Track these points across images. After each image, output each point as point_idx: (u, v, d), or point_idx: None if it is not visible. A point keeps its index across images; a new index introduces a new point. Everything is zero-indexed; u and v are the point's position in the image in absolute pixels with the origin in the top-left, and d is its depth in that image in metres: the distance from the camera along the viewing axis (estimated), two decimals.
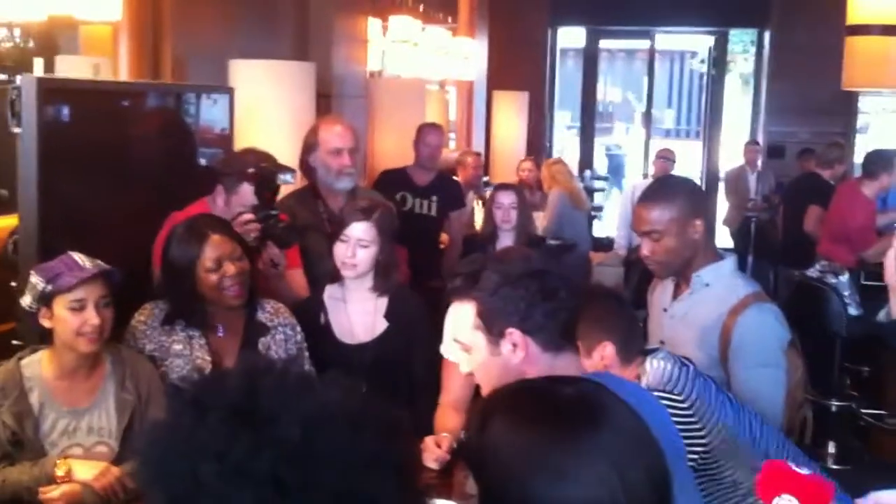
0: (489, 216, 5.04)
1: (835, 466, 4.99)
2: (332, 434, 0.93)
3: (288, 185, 3.53)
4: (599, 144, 14.98)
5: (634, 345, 2.53)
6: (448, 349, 3.14)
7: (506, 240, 4.79)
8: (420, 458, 0.99)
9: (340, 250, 3.14)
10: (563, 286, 1.91)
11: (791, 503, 1.54)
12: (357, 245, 3.13)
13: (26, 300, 2.56)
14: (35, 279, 2.54)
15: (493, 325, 1.89)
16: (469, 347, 1.96)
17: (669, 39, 18.17)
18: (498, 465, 1.24)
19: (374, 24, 6.53)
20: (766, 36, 11.93)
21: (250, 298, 2.96)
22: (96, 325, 2.53)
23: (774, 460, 1.63)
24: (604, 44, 14.46)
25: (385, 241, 3.17)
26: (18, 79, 2.85)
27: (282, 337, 3.01)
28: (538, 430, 1.25)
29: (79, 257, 2.56)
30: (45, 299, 2.53)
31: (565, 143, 14.54)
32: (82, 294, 2.52)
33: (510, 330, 1.87)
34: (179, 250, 2.87)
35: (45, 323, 2.56)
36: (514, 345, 1.87)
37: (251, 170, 3.31)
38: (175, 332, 2.90)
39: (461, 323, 1.96)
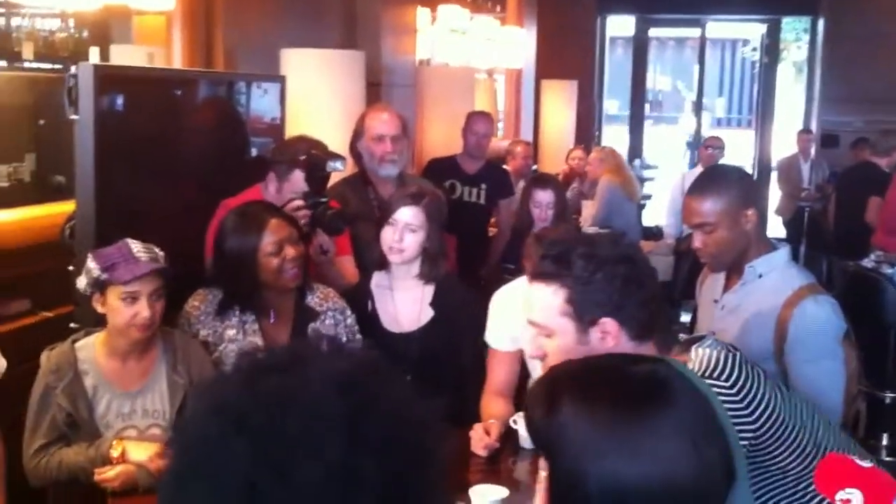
0: (525, 210, 4.97)
1: (888, 458, 4.91)
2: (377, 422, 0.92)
3: (338, 172, 3.56)
4: (648, 133, 14.83)
5: (667, 336, 2.52)
6: (492, 336, 3.15)
7: None
8: (453, 453, 0.98)
9: (388, 234, 3.14)
10: (648, 273, 1.88)
11: (854, 496, 1.51)
12: (405, 229, 3.12)
13: (82, 283, 2.61)
14: (91, 264, 2.58)
15: (584, 313, 1.84)
16: (552, 331, 1.89)
17: (720, 27, 17.96)
18: (573, 446, 1.24)
19: (422, 13, 6.54)
20: (820, 23, 11.74)
21: (306, 279, 2.99)
22: (147, 318, 2.57)
23: (836, 454, 1.60)
24: (653, 32, 14.35)
25: (433, 227, 3.16)
26: (74, 67, 2.89)
27: (331, 322, 3.03)
28: (614, 407, 1.24)
29: (135, 247, 2.59)
30: (100, 286, 2.58)
31: (614, 131, 14.42)
32: (136, 287, 2.56)
33: (604, 320, 1.82)
34: (237, 238, 2.89)
35: (98, 308, 2.61)
36: (605, 333, 1.83)
37: (302, 157, 3.34)
38: (228, 317, 2.94)
39: (539, 304, 1.89)
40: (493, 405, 3.02)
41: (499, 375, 3.12)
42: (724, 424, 1.31)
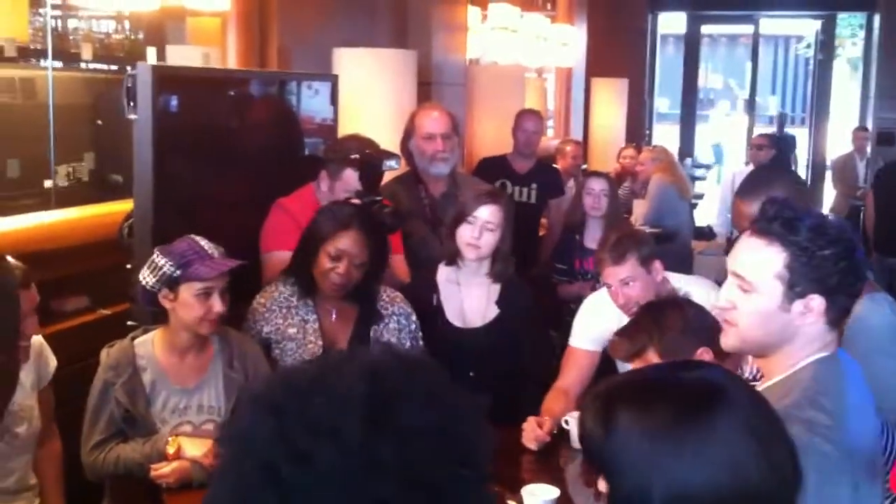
0: (578, 202, 4.98)
1: None
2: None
3: (392, 170, 3.57)
4: (700, 132, 14.69)
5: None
6: (575, 335, 3.20)
7: (594, 227, 4.73)
8: (491, 447, 0.97)
9: (466, 232, 3.16)
10: (862, 268, 1.83)
11: None
12: (484, 227, 3.14)
13: (149, 279, 2.62)
14: (162, 261, 2.60)
15: (798, 284, 1.76)
16: (755, 289, 1.80)
17: (774, 24, 17.71)
18: (635, 461, 1.22)
19: (473, 11, 6.53)
20: (876, 19, 11.54)
21: (366, 285, 2.98)
22: (219, 312, 2.62)
23: None
24: (705, 29, 14.19)
25: (508, 227, 3.20)
26: (130, 68, 2.93)
27: (395, 326, 3.04)
28: (673, 416, 1.23)
29: (206, 244, 2.63)
30: (172, 283, 2.60)
31: (665, 130, 14.30)
32: (211, 284, 2.60)
33: (814, 296, 1.76)
34: (318, 224, 2.94)
35: (166, 304, 2.63)
36: (809, 310, 1.77)
37: (354, 156, 3.35)
38: (291, 315, 2.97)
39: (752, 259, 1.81)
40: (556, 401, 3.06)
41: (571, 374, 3.18)
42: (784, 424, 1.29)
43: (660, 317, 2.51)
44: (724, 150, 17.54)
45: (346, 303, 3.01)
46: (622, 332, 2.64)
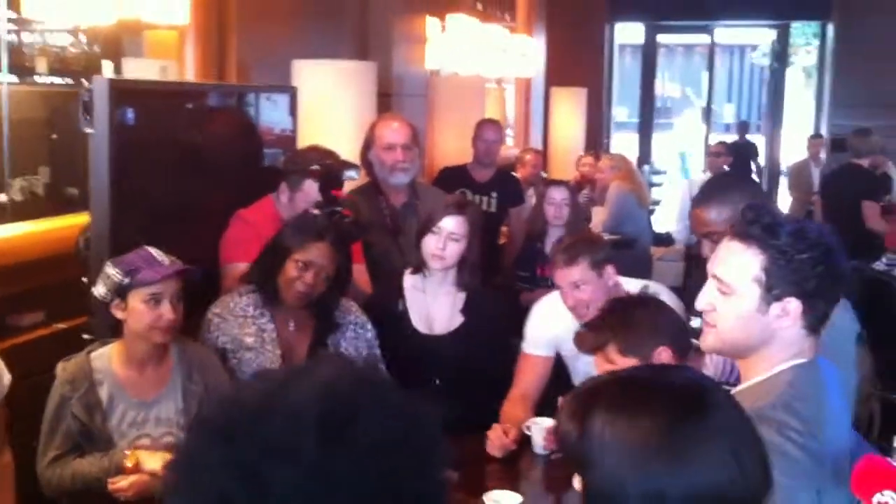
0: (539, 212, 5.02)
1: None
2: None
3: (352, 181, 3.58)
4: (658, 140, 14.83)
5: (685, 341, 2.54)
6: (529, 341, 3.24)
7: (556, 235, 4.75)
8: (449, 455, 0.97)
9: (431, 242, 3.18)
10: (844, 275, 1.83)
11: (893, 499, 1.48)
12: (449, 238, 3.16)
13: (100, 290, 2.62)
14: (112, 271, 2.60)
15: (775, 287, 1.78)
16: (733, 292, 1.82)
17: (729, 33, 17.94)
18: (611, 459, 1.22)
19: (432, 22, 6.55)
20: (830, 28, 11.74)
21: (327, 298, 2.98)
22: (171, 320, 2.60)
23: (872, 455, 1.56)
24: (662, 39, 14.35)
25: (473, 237, 3.22)
26: (86, 82, 2.91)
27: (352, 335, 3.05)
28: (652, 418, 1.23)
29: (155, 252, 2.63)
30: (121, 291, 2.59)
31: (623, 138, 14.42)
32: (159, 289, 2.58)
33: (791, 299, 1.77)
34: (290, 231, 2.95)
35: (118, 314, 2.62)
36: (786, 313, 1.78)
37: (315, 167, 3.36)
38: (247, 325, 2.96)
39: (731, 262, 1.83)
40: (516, 409, 3.08)
41: (526, 380, 3.21)
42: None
43: (624, 313, 2.54)
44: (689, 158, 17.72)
45: (303, 312, 3.00)
46: (589, 324, 2.68)
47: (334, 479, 0.86)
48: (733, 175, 3.30)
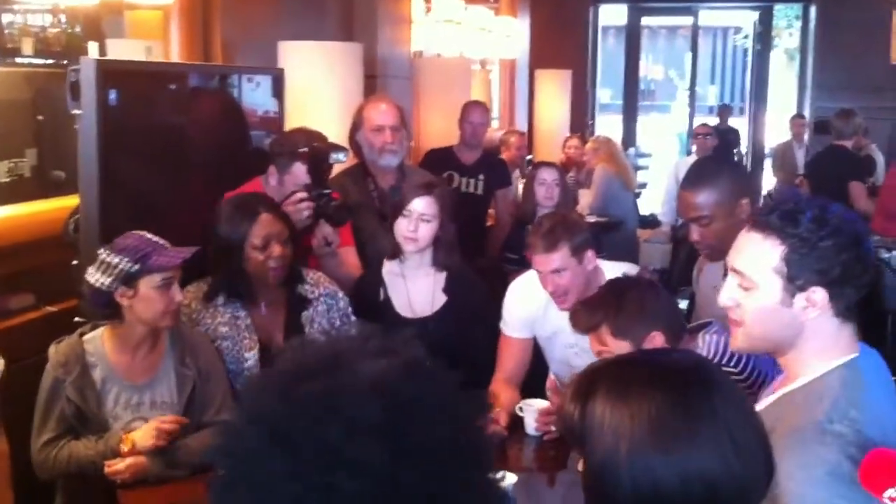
0: (530, 194, 5.01)
1: None
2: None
3: (340, 163, 3.57)
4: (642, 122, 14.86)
5: (679, 326, 2.55)
6: (507, 324, 3.21)
7: None
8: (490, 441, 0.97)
9: (402, 225, 3.17)
10: (871, 261, 1.75)
11: None
12: (419, 220, 3.16)
13: (103, 279, 2.56)
14: (116, 259, 2.55)
15: (798, 277, 1.69)
16: (755, 286, 1.74)
17: (712, 15, 17.97)
18: (608, 436, 1.23)
19: (416, 4, 6.53)
20: (812, 10, 11.78)
21: (291, 274, 3.00)
22: (180, 301, 2.63)
23: (882, 449, 1.49)
24: (646, 20, 14.36)
25: (445, 216, 3.21)
26: (65, 61, 2.88)
27: (323, 307, 3.05)
28: (649, 396, 1.23)
29: (152, 237, 2.61)
30: (130, 279, 2.55)
31: (607, 120, 14.44)
32: (171, 273, 2.58)
33: (816, 288, 1.69)
34: (229, 226, 2.91)
35: (123, 301, 2.58)
36: (812, 303, 1.70)
37: (303, 149, 3.35)
38: (220, 314, 2.95)
39: (750, 254, 1.75)
40: (502, 392, 3.07)
41: (509, 363, 3.20)
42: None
43: (619, 296, 2.55)
44: (666, 139, 17.75)
45: (273, 291, 3.00)
46: (583, 304, 2.67)
47: (399, 484, 0.86)
48: (720, 159, 3.30)
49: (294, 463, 0.86)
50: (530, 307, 3.18)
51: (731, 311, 1.80)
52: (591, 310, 2.57)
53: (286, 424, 0.88)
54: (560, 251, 2.96)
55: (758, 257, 1.73)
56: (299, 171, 3.34)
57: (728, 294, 1.79)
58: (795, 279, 1.69)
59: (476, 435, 0.95)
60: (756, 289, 1.74)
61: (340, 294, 3.11)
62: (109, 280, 2.56)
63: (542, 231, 3.02)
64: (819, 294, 1.69)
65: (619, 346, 2.43)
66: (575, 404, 1.29)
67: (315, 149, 3.36)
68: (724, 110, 12.08)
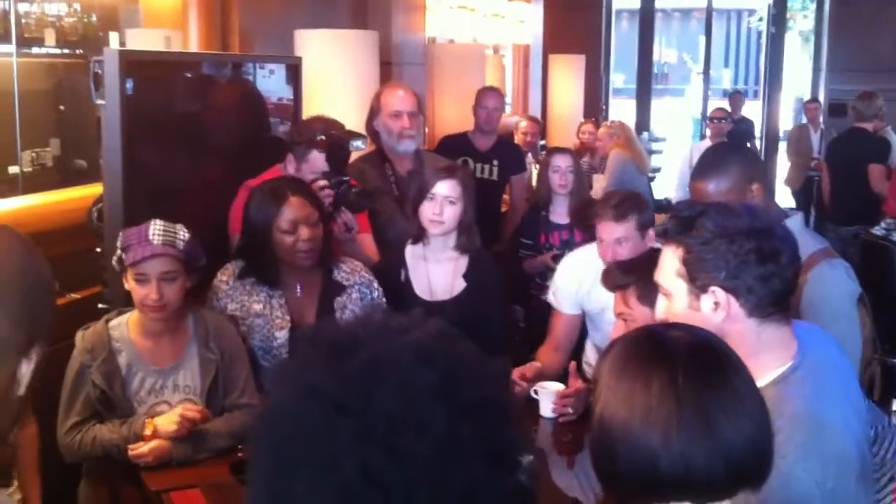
0: (544, 180, 5.02)
1: None
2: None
3: (360, 150, 3.61)
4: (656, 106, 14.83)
5: None
6: (555, 299, 3.43)
7: (560, 203, 4.79)
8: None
9: (427, 209, 3.22)
10: (786, 250, 1.76)
11: None
12: (444, 202, 3.20)
13: (114, 261, 2.71)
14: (118, 243, 2.68)
15: (696, 277, 1.75)
16: (669, 294, 1.82)
17: None
18: (611, 419, 1.29)
19: None
20: None
21: (327, 258, 3.05)
22: (154, 300, 2.64)
23: None
24: (660, 4, 14.29)
25: (468, 199, 3.25)
26: (81, 51, 2.92)
27: (357, 295, 3.10)
28: (645, 372, 1.30)
29: (154, 228, 2.65)
30: (122, 265, 2.67)
31: (621, 105, 14.41)
32: (144, 269, 2.63)
33: (713, 287, 1.74)
34: (258, 210, 2.97)
35: (126, 285, 2.69)
36: (717, 304, 1.74)
37: (321, 137, 3.38)
38: (255, 292, 3.00)
39: (662, 263, 1.83)
40: (546, 355, 3.31)
41: (558, 332, 3.42)
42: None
43: (653, 263, 2.60)
44: (680, 123, 17.68)
45: (309, 276, 3.05)
46: (621, 264, 2.80)
47: (459, 444, 0.89)
48: (732, 145, 3.31)
49: (362, 430, 0.88)
50: (580, 285, 3.33)
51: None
52: (626, 270, 2.67)
53: (343, 395, 0.90)
54: (628, 222, 3.18)
55: (666, 266, 1.82)
56: (317, 158, 3.38)
57: (659, 308, 1.86)
58: (695, 280, 1.76)
59: (508, 393, 1.01)
60: (671, 296, 1.81)
61: (375, 284, 3.15)
62: (115, 262, 2.70)
63: (613, 201, 3.24)
64: (720, 293, 1.73)
65: (641, 312, 2.50)
66: (594, 379, 1.37)
67: (333, 136, 3.39)
68: (735, 98, 11.22)
